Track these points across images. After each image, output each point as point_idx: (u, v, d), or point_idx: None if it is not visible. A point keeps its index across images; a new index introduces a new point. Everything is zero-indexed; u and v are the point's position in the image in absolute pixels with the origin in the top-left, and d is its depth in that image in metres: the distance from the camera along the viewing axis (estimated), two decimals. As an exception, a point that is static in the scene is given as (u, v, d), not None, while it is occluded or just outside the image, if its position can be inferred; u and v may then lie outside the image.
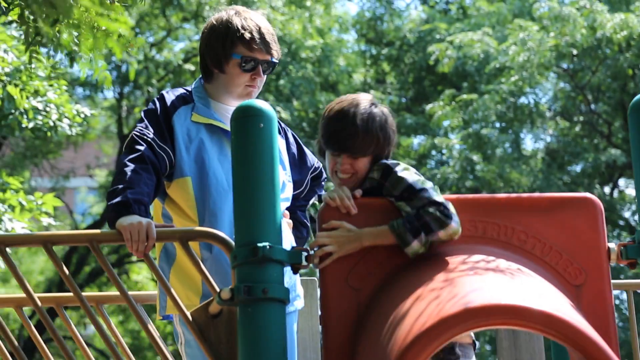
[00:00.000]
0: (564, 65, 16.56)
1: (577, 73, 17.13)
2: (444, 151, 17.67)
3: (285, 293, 3.35)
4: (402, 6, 22.87)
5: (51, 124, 9.08)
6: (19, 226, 8.69)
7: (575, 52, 15.94)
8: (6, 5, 3.66)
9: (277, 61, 4.19)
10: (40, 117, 8.97)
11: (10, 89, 8.67)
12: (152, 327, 3.55)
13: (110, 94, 21.11)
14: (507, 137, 16.83)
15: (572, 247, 3.50)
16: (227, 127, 4.02)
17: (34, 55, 3.60)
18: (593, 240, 3.51)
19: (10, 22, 7.97)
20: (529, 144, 19.18)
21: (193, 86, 4.18)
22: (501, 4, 18.34)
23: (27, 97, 8.86)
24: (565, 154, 17.26)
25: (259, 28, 4.10)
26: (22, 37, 3.96)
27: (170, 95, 4.09)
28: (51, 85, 8.99)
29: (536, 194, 3.64)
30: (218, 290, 3.39)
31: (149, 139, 3.93)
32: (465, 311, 3.03)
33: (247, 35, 4.06)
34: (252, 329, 3.28)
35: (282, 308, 3.34)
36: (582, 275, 3.47)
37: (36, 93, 8.98)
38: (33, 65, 7.99)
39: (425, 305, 3.13)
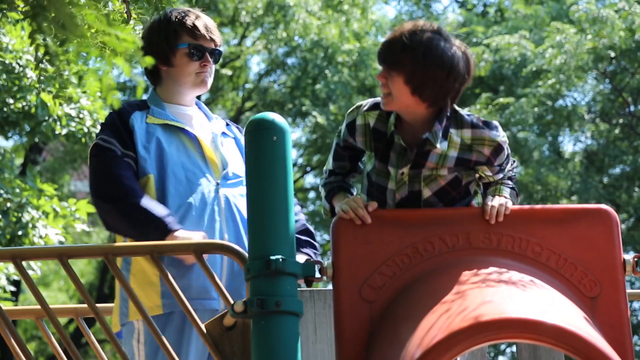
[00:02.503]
0: (603, 68, 16.43)
1: (616, 75, 16.99)
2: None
3: (299, 306, 3.35)
4: (439, 9, 22.80)
5: (85, 130, 9.17)
6: (52, 232, 8.79)
7: (613, 54, 15.80)
8: (16, 19, 3.70)
9: (221, 50, 4.25)
10: (73, 124, 9.05)
11: (44, 96, 8.76)
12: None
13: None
14: (545, 140, 16.73)
15: (587, 259, 3.47)
16: (183, 126, 4.12)
17: (43, 73, 3.64)
18: (608, 252, 3.48)
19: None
20: (568, 147, 19.05)
21: (146, 97, 4.27)
22: (539, 7, 18.24)
23: (61, 104, 8.94)
24: (605, 156, 17.11)
25: (199, 17, 4.20)
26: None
27: (124, 106, 4.17)
28: (84, 92, 9.07)
29: (551, 205, 3.63)
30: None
31: (111, 147, 4.01)
32: (476, 325, 3.03)
33: (190, 24, 4.14)
34: (265, 341, 3.28)
35: (296, 321, 3.33)
36: (597, 287, 3.45)
37: (69, 100, 9.06)
38: (66, 72, 8.04)
39: (436, 319, 3.12)
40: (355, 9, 19.68)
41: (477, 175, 3.73)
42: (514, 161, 3.79)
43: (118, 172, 3.96)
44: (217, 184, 4.07)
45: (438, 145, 3.60)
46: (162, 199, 4.00)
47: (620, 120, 17.39)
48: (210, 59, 4.19)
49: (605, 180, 17.30)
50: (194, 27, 4.14)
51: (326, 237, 21.11)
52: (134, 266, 3.95)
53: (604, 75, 16.78)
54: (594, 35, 15.51)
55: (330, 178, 3.85)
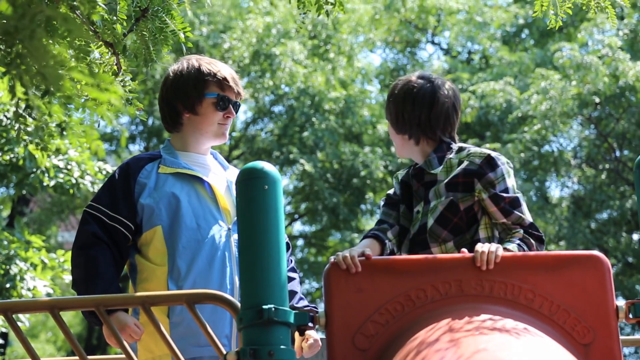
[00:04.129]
0: (588, 113, 16.53)
1: (601, 121, 17.09)
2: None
3: (292, 355, 3.33)
4: (424, 56, 22.94)
5: (73, 181, 9.14)
6: (41, 284, 8.74)
7: (598, 100, 15.91)
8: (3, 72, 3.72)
9: (241, 103, 4.35)
10: (61, 175, 9.03)
11: (32, 148, 8.75)
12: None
13: (136, 148, 21.27)
14: (532, 186, 16.78)
15: (580, 306, 3.46)
16: (196, 173, 4.16)
17: (22, 127, 3.65)
18: (601, 299, 3.47)
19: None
20: (555, 192, 19.11)
21: (162, 146, 4.32)
22: (523, 54, 18.38)
23: (49, 156, 8.93)
24: (591, 201, 17.18)
25: (228, 70, 4.28)
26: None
27: (134, 159, 4.22)
28: (72, 144, 9.07)
29: (543, 252, 3.62)
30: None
31: (98, 215, 4.05)
32: (470, 373, 3.01)
33: (221, 76, 4.22)
34: (258, 391, 3.26)
35: (289, 370, 3.32)
36: (590, 334, 3.44)
37: (57, 151, 9.06)
38: (53, 124, 8.06)
39: (430, 367, 3.11)
40: (341, 57, 19.80)
41: (475, 198, 3.87)
42: (533, 225, 3.88)
43: (92, 254, 3.99)
44: (229, 229, 4.09)
45: (433, 171, 3.94)
46: (172, 247, 4.03)
47: (607, 166, 17.48)
48: (233, 110, 4.25)
49: (593, 225, 17.35)
50: (224, 78, 4.21)
51: (315, 284, 21.05)
52: (142, 316, 3.95)
53: (589, 120, 16.89)
54: (579, 82, 15.63)
55: (374, 226, 4.06)
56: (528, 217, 3.89)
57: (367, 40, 21.14)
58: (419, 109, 3.99)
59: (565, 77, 15.99)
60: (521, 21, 20.31)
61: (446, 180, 3.90)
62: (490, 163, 3.89)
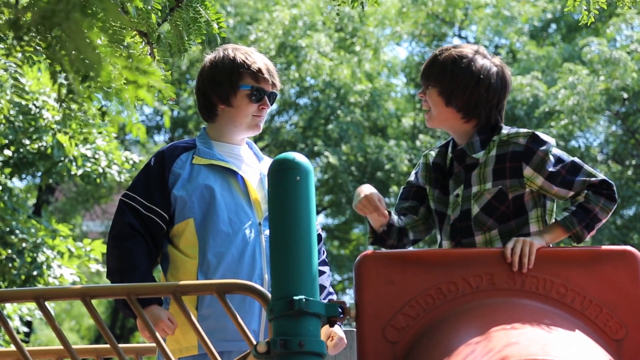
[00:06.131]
0: (615, 109, 16.43)
1: (628, 117, 17.00)
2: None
3: (322, 346, 3.33)
4: (451, 50, 22.86)
5: (100, 170, 9.19)
6: (67, 272, 8.79)
7: (626, 95, 15.82)
8: (33, 61, 3.72)
9: (277, 93, 4.31)
10: (89, 164, 9.08)
11: (60, 136, 8.80)
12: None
13: (161, 138, 21.32)
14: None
15: (612, 301, 3.44)
16: (230, 166, 4.14)
17: (68, 113, 3.65)
18: (634, 294, 3.45)
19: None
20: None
21: (197, 135, 4.30)
22: (551, 48, 18.29)
23: (77, 145, 8.98)
24: (617, 197, 17.06)
25: (263, 61, 4.24)
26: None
27: (170, 147, 4.21)
28: (100, 133, 9.11)
29: (575, 247, 3.60)
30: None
31: (134, 205, 4.05)
32: (502, 366, 3.00)
33: (255, 67, 4.18)
34: (288, 382, 3.26)
35: (319, 361, 3.31)
36: (622, 329, 3.41)
37: (85, 140, 9.10)
38: (81, 113, 8.10)
39: (462, 360, 3.10)
40: (367, 49, 19.77)
41: (527, 189, 3.74)
42: (603, 182, 3.74)
43: (128, 246, 4.00)
44: (259, 224, 4.09)
45: (474, 155, 3.78)
46: (203, 240, 4.03)
47: (633, 162, 17.38)
48: (268, 102, 4.23)
49: (619, 221, 17.25)
50: (259, 70, 4.18)
51: (337, 277, 21.05)
52: (172, 306, 3.95)
53: (617, 116, 16.79)
54: (607, 77, 15.55)
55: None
56: (596, 176, 3.72)
57: (393, 33, 21.10)
58: (483, 90, 3.77)
59: (593, 72, 15.91)
60: (549, 16, 20.21)
61: (493, 167, 3.74)
62: (536, 140, 3.70)
